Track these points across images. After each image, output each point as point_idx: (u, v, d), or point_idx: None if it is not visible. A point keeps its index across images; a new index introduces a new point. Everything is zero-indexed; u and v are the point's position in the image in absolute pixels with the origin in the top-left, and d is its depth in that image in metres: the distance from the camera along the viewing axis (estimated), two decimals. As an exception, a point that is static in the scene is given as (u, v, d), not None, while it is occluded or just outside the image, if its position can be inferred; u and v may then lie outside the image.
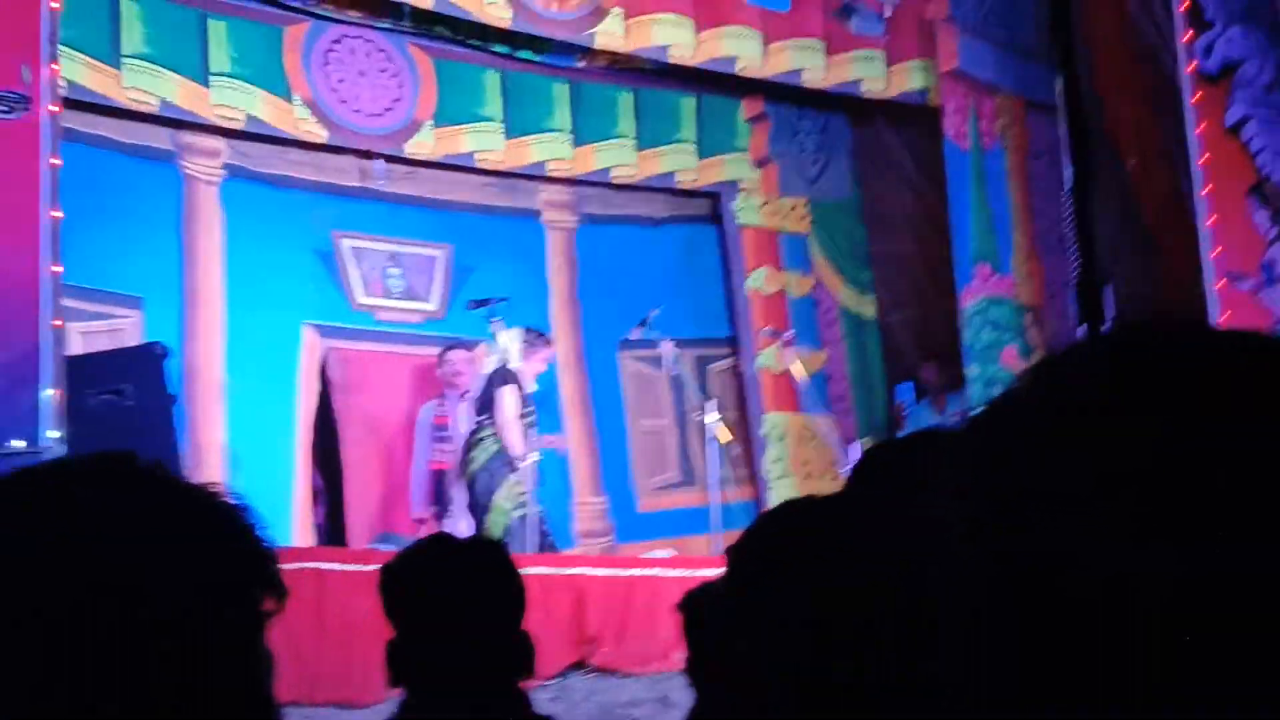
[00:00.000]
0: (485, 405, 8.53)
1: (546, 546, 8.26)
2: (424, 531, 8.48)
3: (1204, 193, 9.32)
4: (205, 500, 1.18)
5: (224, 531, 1.17)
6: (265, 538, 1.20)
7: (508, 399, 8.42)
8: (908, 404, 10.37)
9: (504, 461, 8.31)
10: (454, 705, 2.52)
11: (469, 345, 9.23)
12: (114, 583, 1.09)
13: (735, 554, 2.04)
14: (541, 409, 8.87)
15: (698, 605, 3.64)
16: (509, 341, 8.64)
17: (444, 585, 2.60)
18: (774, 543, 1.98)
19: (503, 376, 8.54)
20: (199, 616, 1.12)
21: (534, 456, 8.37)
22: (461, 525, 8.45)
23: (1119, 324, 0.73)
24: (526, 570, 6.48)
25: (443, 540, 2.82)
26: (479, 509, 8.30)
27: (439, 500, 8.84)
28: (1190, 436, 0.69)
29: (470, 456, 8.41)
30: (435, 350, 9.44)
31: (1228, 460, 0.68)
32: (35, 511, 1.12)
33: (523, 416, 8.47)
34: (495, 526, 8.18)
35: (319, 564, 6.45)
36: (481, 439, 8.41)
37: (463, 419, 8.83)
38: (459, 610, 2.56)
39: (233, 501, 1.19)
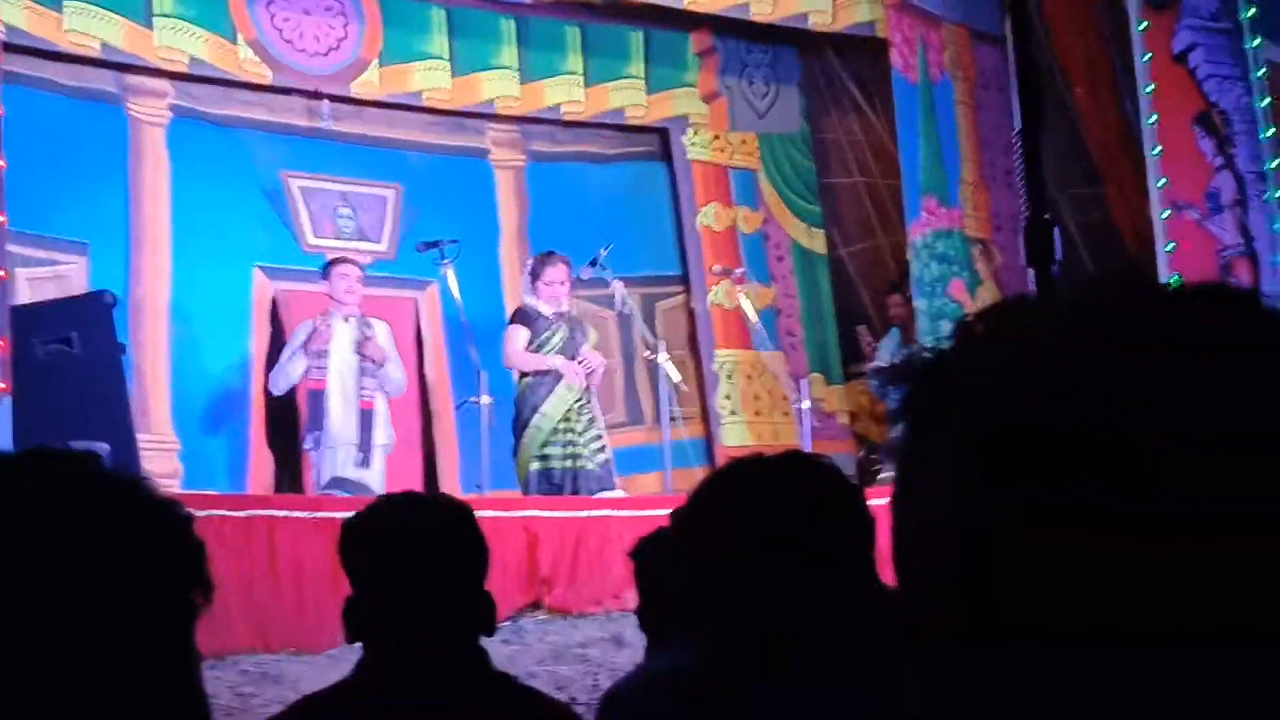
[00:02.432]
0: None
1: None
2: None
3: (1151, 122, 9.37)
4: (136, 497, 1.19)
5: (154, 530, 1.17)
6: (193, 534, 1.20)
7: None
8: (874, 339, 10.46)
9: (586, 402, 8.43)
10: (412, 663, 2.53)
11: (358, 263, 8.95)
12: (43, 584, 1.10)
13: (686, 511, 2.08)
14: (489, 349, 8.79)
15: (649, 553, 3.67)
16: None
17: (406, 543, 2.59)
18: (721, 501, 2.02)
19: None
20: (132, 617, 1.13)
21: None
22: (340, 454, 8.28)
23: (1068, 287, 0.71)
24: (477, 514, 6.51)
25: (407, 498, 2.81)
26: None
27: (315, 424, 8.38)
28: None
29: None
30: (387, 292, 9.39)
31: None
32: None
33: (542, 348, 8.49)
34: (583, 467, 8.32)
35: (271, 511, 6.45)
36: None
37: (345, 340, 8.45)
38: (420, 569, 2.56)
39: (161, 497, 1.20)
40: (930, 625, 0.74)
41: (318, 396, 8.36)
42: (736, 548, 1.94)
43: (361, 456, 8.33)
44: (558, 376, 8.36)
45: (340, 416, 8.31)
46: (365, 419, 8.37)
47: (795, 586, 1.93)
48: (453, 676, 2.52)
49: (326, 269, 8.65)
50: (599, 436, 8.47)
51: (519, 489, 9.25)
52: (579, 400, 8.38)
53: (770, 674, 1.93)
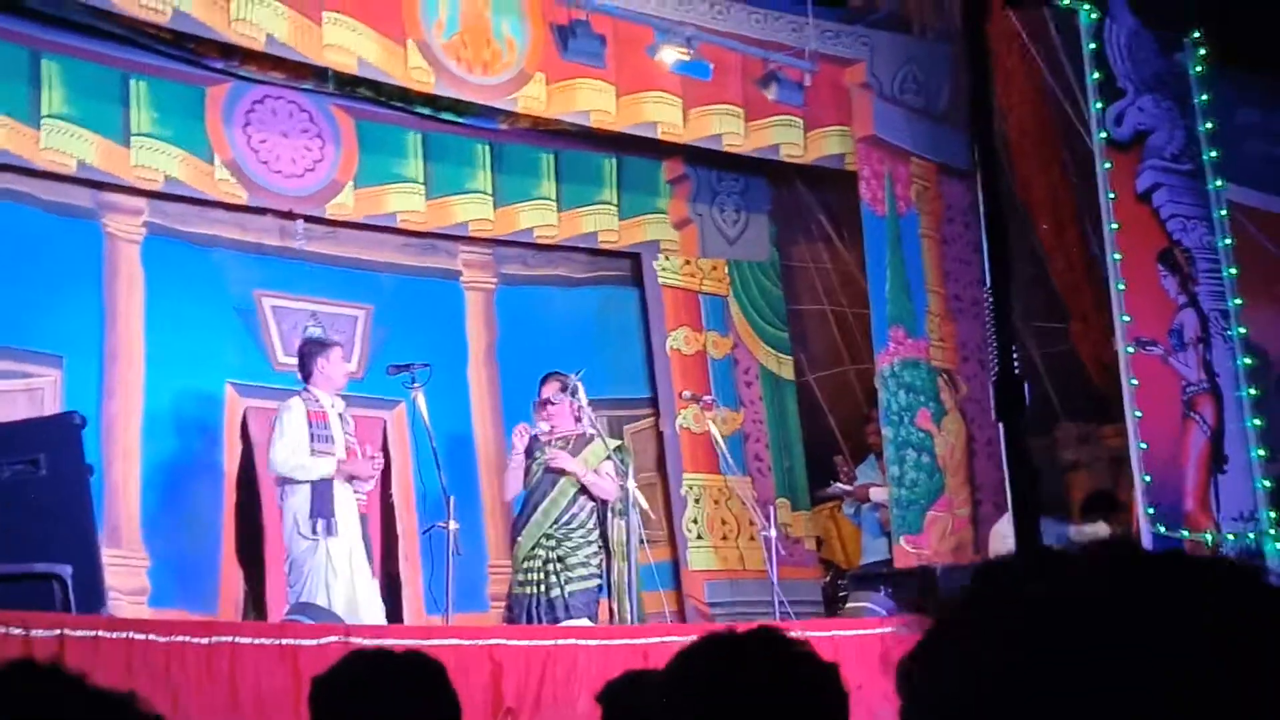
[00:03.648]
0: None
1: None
2: (307, 546, 8.04)
3: (1115, 259, 9.51)
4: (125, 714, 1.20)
5: None
6: None
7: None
8: (852, 466, 10.55)
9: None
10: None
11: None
12: None
13: (663, 685, 2.10)
14: (456, 471, 8.85)
15: (617, 698, 3.67)
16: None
17: (378, 704, 2.59)
18: (695, 681, 2.04)
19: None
20: None
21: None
22: (346, 543, 8.10)
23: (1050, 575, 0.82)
24: (438, 642, 6.44)
25: (378, 655, 2.82)
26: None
27: (323, 512, 7.99)
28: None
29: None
30: (355, 411, 9.37)
31: None
32: None
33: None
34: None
35: (234, 638, 6.40)
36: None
37: (336, 421, 8.28)
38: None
39: (146, 713, 1.21)
40: None
41: (324, 485, 8.08)
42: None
43: (370, 568, 8.28)
44: (535, 504, 8.45)
45: (346, 508, 8.15)
46: (364, 522, 8.36)
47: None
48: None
49: (316, 346, 8.55)
50: (587, 562, 8.47)
51: (485, 610, 9.26)
52: (564, 525, 8.44)
53: None
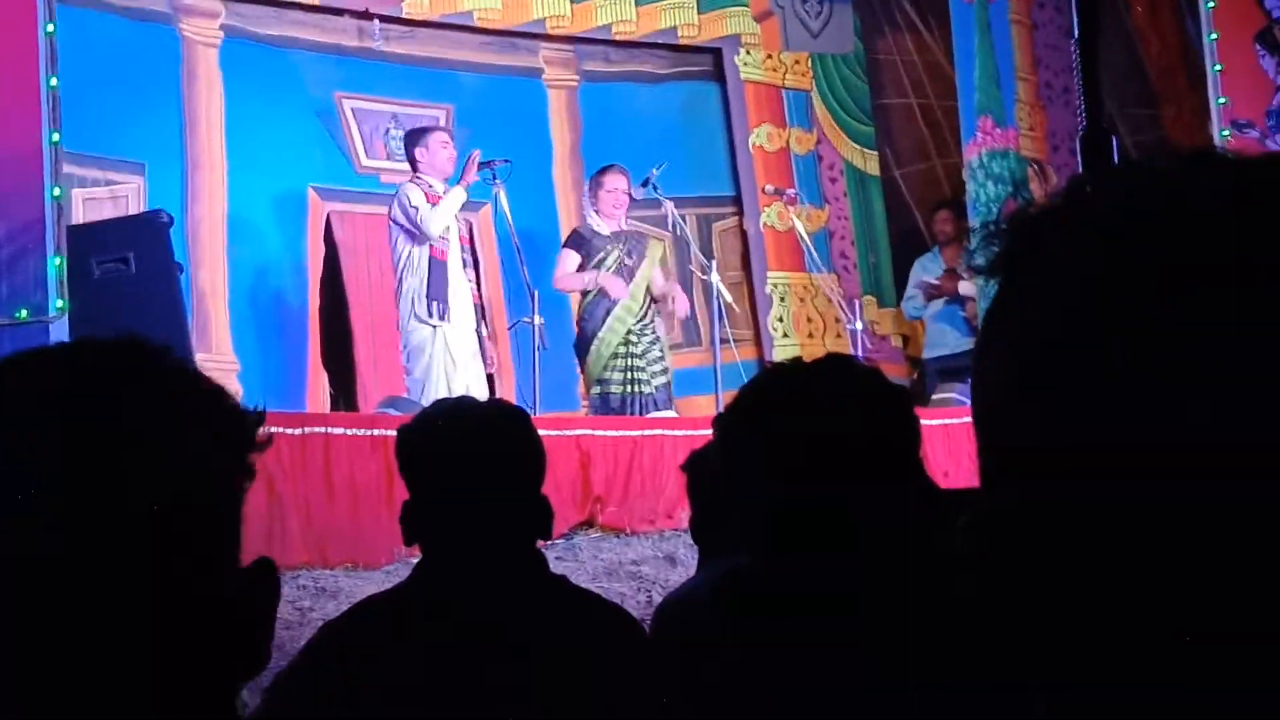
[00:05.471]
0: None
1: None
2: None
3: (1211, 39, 9.24)
4: (199, 387, 1.18)
5: (210, 416, 1.15)
6: (246, 422, 1.19)
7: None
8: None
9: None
10: (469, 565, 2.53)
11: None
12: (78, 470, 1.06)
13: (729, 416, 2.07)
14: (544, 270, 8.82)
15: (701, 465, 3.68)
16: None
17: (461, 446, 2.58)
18: (765, 404, 2.01)
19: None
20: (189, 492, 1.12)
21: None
22: (462, 332, 8.07)
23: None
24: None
25: (461, 401, 2.81)
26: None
27: (438, 294, 7.94)
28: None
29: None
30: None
31: None
32: (28, 394, 1.10)
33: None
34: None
35: (327, 429, 6.49)
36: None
37: (452, 203, 8.08)
38: (476, 472, 2.55)
39: (212, 386, 1.18)
40: (1004, 477, 0.72)
41: (440, 266, 8.03)
42: (782, 449, 1.93)
43: (482, 353, 8.24)
44: (607, 310, 8.37)
45: (461, 295, 8.10)
46: (479, 311, 8.30)
47: (845, 484, 1.91)
48: (509, 578, 2.52)
49: (414, 135, 8.44)
50: (661, 358, 8.44)
51: (576, 408, 9.28)
52: (639, 320, 8.37)
53: (818, 573, 1.92)
